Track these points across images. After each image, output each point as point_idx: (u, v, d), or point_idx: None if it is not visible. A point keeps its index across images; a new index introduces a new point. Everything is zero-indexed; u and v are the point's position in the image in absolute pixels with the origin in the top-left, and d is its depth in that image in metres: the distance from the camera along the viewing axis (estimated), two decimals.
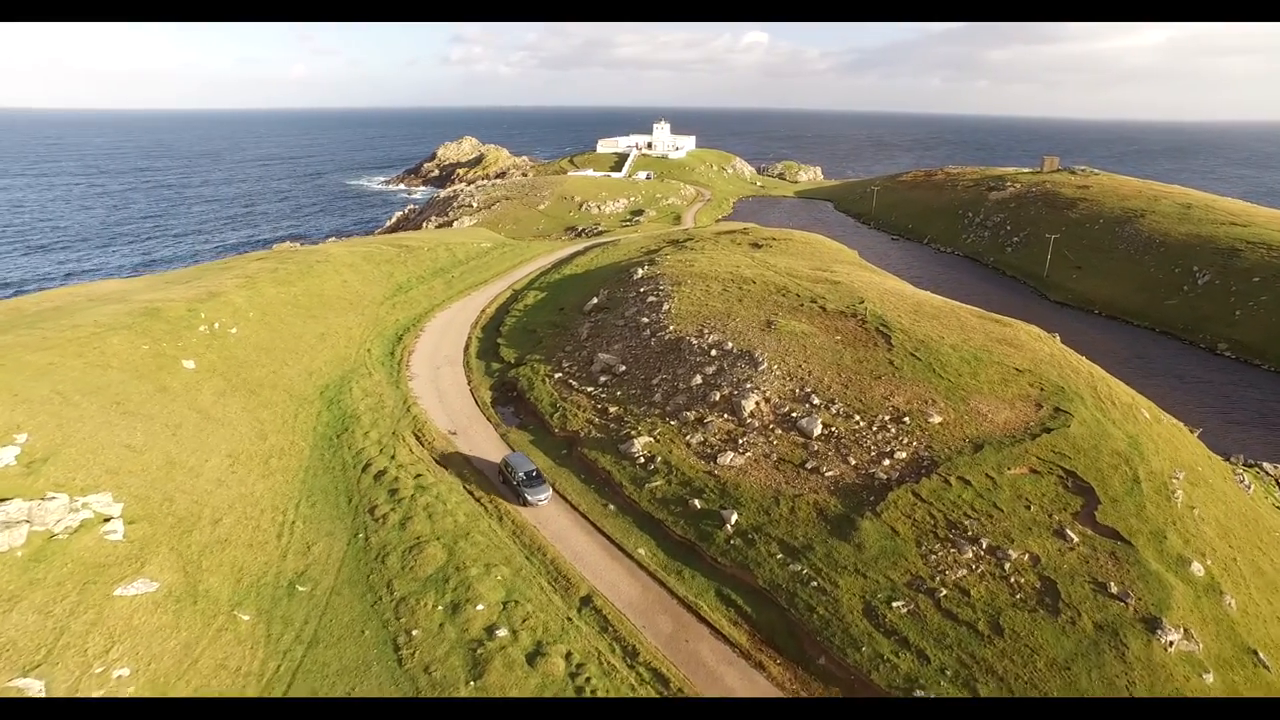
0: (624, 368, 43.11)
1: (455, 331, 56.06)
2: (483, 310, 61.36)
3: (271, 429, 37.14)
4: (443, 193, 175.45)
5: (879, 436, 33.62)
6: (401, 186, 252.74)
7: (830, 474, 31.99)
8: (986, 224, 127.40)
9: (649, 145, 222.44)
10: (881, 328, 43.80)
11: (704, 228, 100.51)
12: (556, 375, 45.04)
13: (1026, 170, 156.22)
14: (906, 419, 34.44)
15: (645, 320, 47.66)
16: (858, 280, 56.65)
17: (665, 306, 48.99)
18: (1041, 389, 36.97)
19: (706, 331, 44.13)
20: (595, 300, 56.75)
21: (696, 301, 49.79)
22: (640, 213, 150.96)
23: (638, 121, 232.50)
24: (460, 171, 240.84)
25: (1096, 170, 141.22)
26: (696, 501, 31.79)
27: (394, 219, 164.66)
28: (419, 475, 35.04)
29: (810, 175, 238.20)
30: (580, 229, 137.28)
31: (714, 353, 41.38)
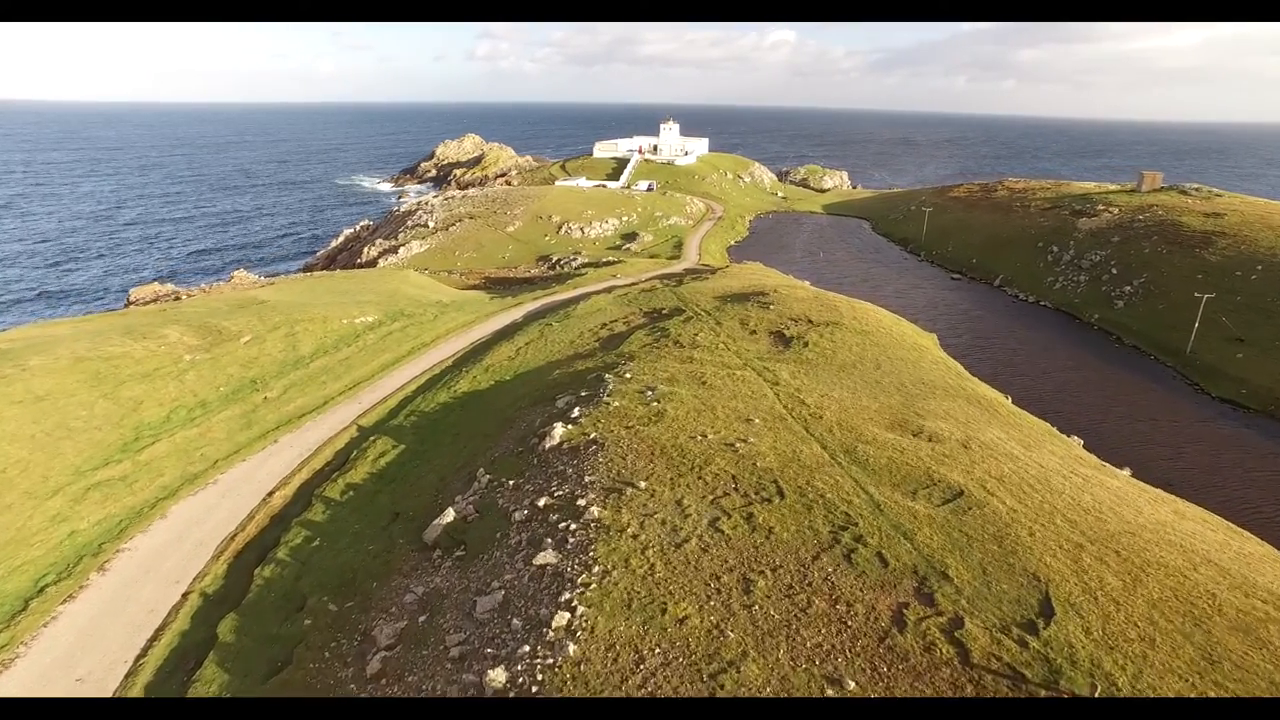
0: None
1: (165, 575, 27.18)
2: (269, 495, 32.50)
3: None
4: (402, 207, 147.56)
5: None
6: (394, 188, 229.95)
7: None
8: (1080, 264, 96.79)
9: (654, 149, 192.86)
10: None
11: (706, 278, 71.09)
12: None
13: (1115, 187, 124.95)
14: None
15: (505, 678, 18.44)
16: (995, 473, 27.39)
17: (565, 617, 19.69)
18: None
19: None
20: (453, 511, 27.61)
21: (640, 601, 20.35)
22: (633, 237, 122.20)
23: (659, 120, 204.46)
24: (458, 173, 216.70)
25: (1218, 190, 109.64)
26: None
27: (340, 239, 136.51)
28: None
29: (836, 181, 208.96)
30: (555, 259, 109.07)
31: None
